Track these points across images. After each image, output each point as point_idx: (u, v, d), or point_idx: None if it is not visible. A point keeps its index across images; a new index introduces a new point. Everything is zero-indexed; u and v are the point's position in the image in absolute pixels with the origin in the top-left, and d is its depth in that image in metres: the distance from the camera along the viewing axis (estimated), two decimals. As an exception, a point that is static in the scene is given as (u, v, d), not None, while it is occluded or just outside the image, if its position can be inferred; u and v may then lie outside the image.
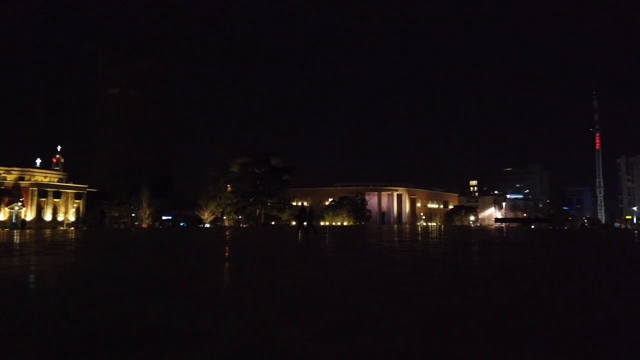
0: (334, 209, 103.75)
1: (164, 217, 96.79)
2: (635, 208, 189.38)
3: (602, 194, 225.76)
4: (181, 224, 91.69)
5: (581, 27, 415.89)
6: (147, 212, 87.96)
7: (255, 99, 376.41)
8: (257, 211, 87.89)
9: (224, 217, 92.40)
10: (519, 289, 6.13)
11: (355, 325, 3.82)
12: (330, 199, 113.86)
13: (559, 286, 6.57)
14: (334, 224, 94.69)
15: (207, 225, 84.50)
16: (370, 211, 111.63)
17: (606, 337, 3.60)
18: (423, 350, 3.15)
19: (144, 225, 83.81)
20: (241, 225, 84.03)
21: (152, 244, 18.83)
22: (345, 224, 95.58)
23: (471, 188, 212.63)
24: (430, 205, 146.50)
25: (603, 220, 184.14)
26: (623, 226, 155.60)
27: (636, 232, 62.55)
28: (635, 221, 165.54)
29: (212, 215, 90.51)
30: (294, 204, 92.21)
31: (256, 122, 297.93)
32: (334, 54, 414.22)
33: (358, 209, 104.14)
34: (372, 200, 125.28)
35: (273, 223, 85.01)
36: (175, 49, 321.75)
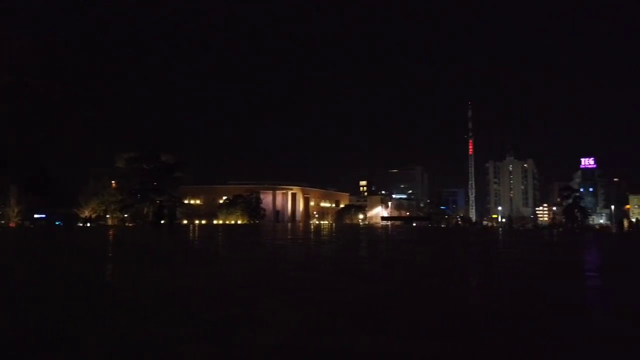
0: (228, 207, 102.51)
1: (36, 216, 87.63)
2: (500, 208, 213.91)
3: (474, 195, 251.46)
4: (57, 223, 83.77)
5: (458, 39, 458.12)
6: (16, 210, 78.96)
7: (147, 91, 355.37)
8: (145, 209, 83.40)
9: (107, 216, 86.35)
10: (396, 282, 6.96)
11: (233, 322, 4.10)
12: (225, 197, 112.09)
13: (428, 278, 7.56)
14: (227, 222, 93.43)
15: (88, 225, 78.29)
16: (264, 210, 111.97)
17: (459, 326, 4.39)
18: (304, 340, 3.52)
19: (12, 225, 75.13)
20: (127, 224, 79.22)
21: None
22: (239, 222, 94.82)
23: (361, 188, 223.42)
24: (323, 204, 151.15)
25: (474, 219, 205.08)
26: (489, 224, 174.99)
27: (500, 229, 71.04)
28: (500, 219, 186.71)
29: (93, 213, 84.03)
30: (187, 202, 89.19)
31: (147, 116, 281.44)
32: (229, 46, 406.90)
33: (253, 207, 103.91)
34: (267, 198, 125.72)
35: (163, 222, 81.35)
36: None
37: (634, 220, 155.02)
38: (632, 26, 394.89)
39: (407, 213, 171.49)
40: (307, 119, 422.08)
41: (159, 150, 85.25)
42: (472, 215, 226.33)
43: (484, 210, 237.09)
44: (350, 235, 28.27)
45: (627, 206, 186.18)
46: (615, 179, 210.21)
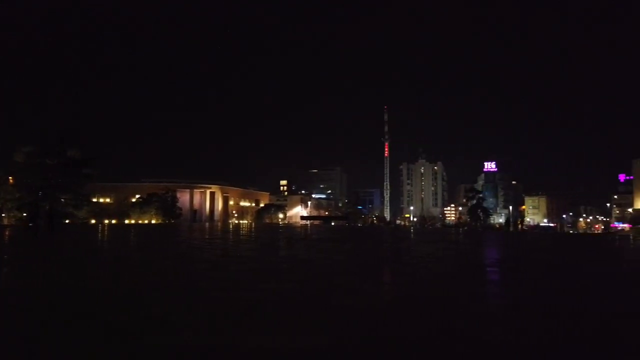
0: (142, 206, 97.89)
1: None
2: (412, 208, 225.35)
3: (389, 195, 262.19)
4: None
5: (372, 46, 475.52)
6: None
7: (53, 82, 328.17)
8: (48, 207, 77.10)
9: (3, 215, 78.68)
10: (305, 278, 7.44)
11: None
12: (138, 196, 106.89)
13: (339, 275, 8.13)
14: (140, 222, 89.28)
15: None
16: (181, 209, 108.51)
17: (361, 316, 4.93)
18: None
19: None
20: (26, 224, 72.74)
21: None
22: (153, 222, 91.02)
23: (281, 188, 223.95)
24: (242, 204, 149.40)
25: (388, 218, 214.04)
26: (402, 223, 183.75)
27: (412, 228, 75.03)
28: (412, 219, 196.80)
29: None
30: (96, 200, 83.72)
31: (59, 110, 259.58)
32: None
33: (168, 206, 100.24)
34: (183, 197, 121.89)
35: (68, 221, 75.87)
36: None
37: (528, 220, 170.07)
38: (529, 37, 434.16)
39: (326, 213, 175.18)
40: (228, 117, 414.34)
41: (64, 144, 79.16)
42: (387, 214, 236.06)
43: (397, 210, 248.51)
44: (266, 234, 28.54)
45: (523, 207, 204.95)
46: (514, 182, 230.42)
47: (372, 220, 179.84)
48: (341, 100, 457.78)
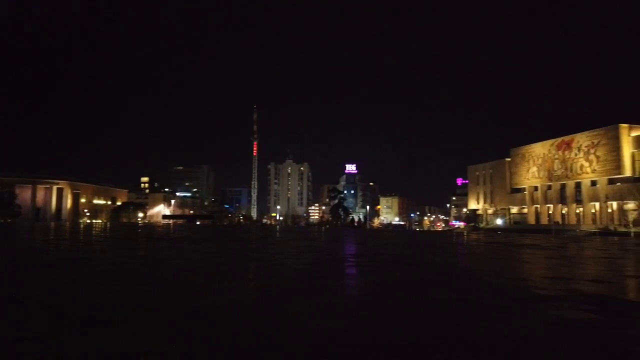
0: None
1: None
2: (279, 207, 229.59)
3: (256, 194, 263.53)
4: None
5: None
6: None
7: None
8: None
9: None
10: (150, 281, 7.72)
11: None
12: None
13: (195, 275, 8.53)
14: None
15: None
16: (20, 206, 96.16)
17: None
18: None
19: None
20: None
21: None
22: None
23: (142, 185, 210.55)
24: (96, 201, 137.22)
25: (255, 217, 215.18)
26: (269, 222, 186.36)
27: (277, 226, 76.86)
28: (278, 217, 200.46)
29: None
30: None
31: None
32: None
33: (4, 203, 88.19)
34: (24, 194, 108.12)
35: None
36: None
37: (382, 218, 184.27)
38: (389, 49, 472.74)
39: (191, 211, 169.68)
40: (84, 108, 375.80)
41: None
42: (254, 213, 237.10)
43: (264, 209, 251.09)
44: (126, 233, 27.15)
45: (379, 206, 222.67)
46: (371, 183, 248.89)
47: (239, 219, 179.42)
48: (212, 98, 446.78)
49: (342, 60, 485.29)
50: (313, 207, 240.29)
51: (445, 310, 4.50)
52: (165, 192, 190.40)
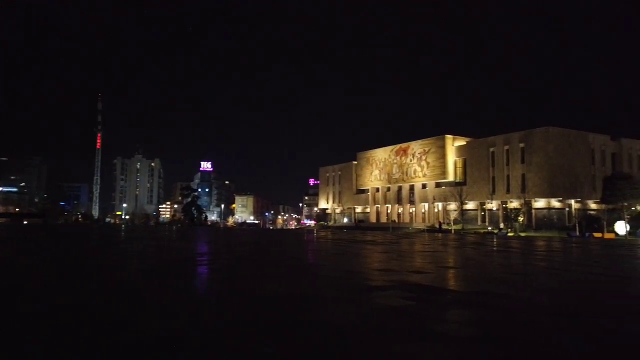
0: None
1: None
2: (125, 205, 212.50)
3: (99, 191, 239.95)
4: None
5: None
6: None
7: None
8: None
9: None
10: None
11: None
12: None
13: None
14: None
15: None
16: None
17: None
18: None
19: None
20: None
21: None
22: None
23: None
24: None
25: (96, 215, 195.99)
26: (113, 221, 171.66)
27: (123, 226, 71.08)
28: (123, 216, 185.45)
29: None
30: None
31: None
32: None
33: None
34: None
35: None
36: None
37: (237, 217, 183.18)
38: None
39: (17, 209, 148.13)
40: None
41: None
42: (95, 211, 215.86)
43: (108, 207, 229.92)
44: None
45: (234, 205, 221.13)
46: (227, 182, 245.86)
47: (77, 218, 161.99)
48: (51, 81, 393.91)
49: (201, 54, 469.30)
50: (164, 206, 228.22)
51: (284, 303, 4.90)
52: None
